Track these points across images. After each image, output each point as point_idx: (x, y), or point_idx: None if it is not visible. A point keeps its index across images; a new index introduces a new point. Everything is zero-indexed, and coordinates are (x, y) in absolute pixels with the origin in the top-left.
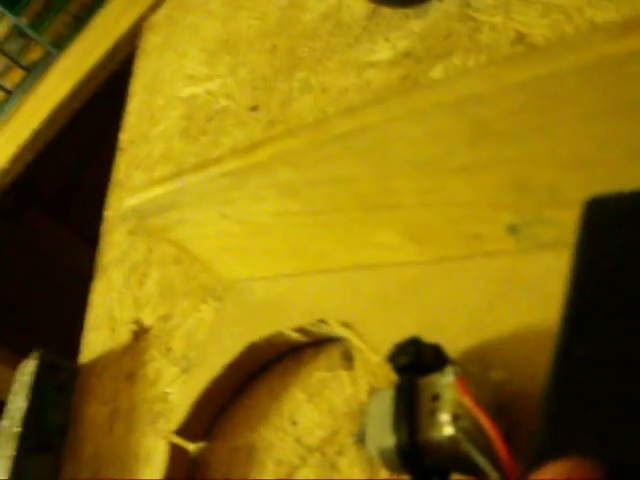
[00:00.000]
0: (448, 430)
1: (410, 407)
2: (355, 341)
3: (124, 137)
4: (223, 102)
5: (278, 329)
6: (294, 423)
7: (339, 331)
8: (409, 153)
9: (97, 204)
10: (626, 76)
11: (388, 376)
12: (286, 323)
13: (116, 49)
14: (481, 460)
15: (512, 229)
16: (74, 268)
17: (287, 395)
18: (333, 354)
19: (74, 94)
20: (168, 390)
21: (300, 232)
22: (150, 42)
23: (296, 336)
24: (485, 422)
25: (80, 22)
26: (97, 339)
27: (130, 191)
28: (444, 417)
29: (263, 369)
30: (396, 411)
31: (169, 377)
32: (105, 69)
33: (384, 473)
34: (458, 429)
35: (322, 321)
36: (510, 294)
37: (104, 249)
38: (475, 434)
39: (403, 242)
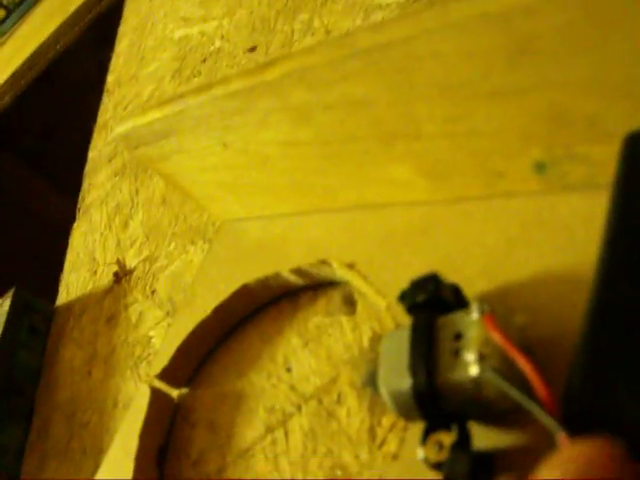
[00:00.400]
0: (474, 370)
1: (429, 346)
2: (359, 284)
3: (111, 78)
4: (218, 43)
5: (274, 270)
6: (288, 369)
7: (341, 273)
8: (438, 74)
9: (75, 155)
10: None
11: (395, 321)
12: (283, 264)
13: None
14: (519, 397)
15: (539, 167)
16: (48, 218)
17: (281, 340)
18: (333, 298)
19: (57, 37)
20: (151, 334)
21: (307, 165)
22: None
23: (293, 278)
24: (520, 360)
25: None
26: (76, 281)
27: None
28: (469, 356)
29: (256, 313)
30: (413, 350)
31: (152, 320)
32: (90, 12)
33: (386, 422)
34: (485, 369)
35: (323, 262)
36: (532, 236)
37: (86, 190)
38: (506, 374)
39: (417, 179)
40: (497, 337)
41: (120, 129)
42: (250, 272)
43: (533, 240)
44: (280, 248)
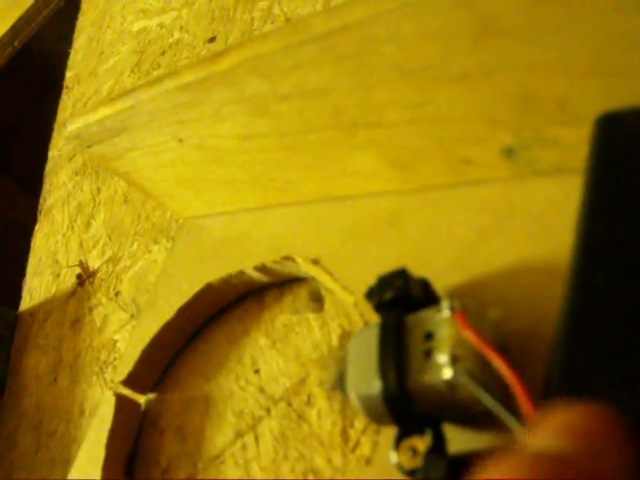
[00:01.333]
0: (447, 373)
1: (399, 347)
2: (324, 280)
3: (70, 75)
4: (177, 35)
5: (238, 268)
6: (256, 371)
7: (306, 269)
8: (398, 57)
9: (40, 154)
10: None
11: (363, 318)
12: (247, 262)
13: None
14: (493, 404)
15: (508, 152)
16: (14, 218)
17: (248, 340)
18: (299, 295)
19: (14, 32)
20: (116, 337)
21: (266, 158)
22: None
23: (257, 275)
24: (495, 360)
25: None
26: (40, 285)
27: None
28: (442, 358)
29: (221, 312)
30: (382, 352)
31: (117, 323)
32: (48, 6)
33: (359, 424)
34: (459, 372)
35: (287, 258)
36: (503, 225)
37: (47, 191)
38: (480, 376)
39: (382, 168)
40: (470, 336)
41: (71, 127)
42: (213, 271)
43: (504, 229)
44: (243, 245)
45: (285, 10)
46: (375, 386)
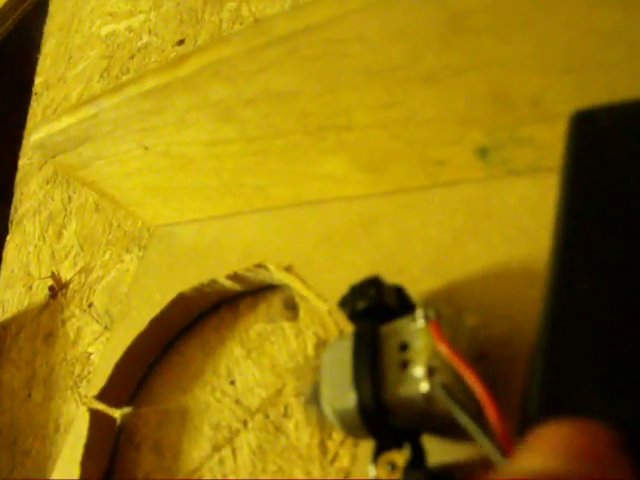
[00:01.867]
0: (423, 387)
1: (374, 359)
2: (298, 287)
3: (39, 81)
4: (146, 38)
5: (210, 277)
6: (232, 382)
7: (279, 276)
8: (365, 58)
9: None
10: None
11: (339, 326)
12: (219, 270)
13: None
14: (465, 420)
15: (482, 152)
16: None
17: (223, 351)
18: (274, 303)
19: None
20: (90, 350)
21: (234, 164)
22: None
23: (230, 284)
24: (469, 376)
25: None
26: (12, 297)
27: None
28: (418, 371)
29: (195, 322)
30: (356, 364)
31: (91, 335)
32: (17, 10)
33: (337, 436)
34: (435, 385)
35: (260, 266)
36: (479, 227)
37: (19, 200)
38: (455, 389)
39: (353, 172)
40: (444, 350)
41: (35, 137)
42: (186, 280)
43: (480, 231)
44: (215, 253)
45: (253, 10)
46: (350, 399)
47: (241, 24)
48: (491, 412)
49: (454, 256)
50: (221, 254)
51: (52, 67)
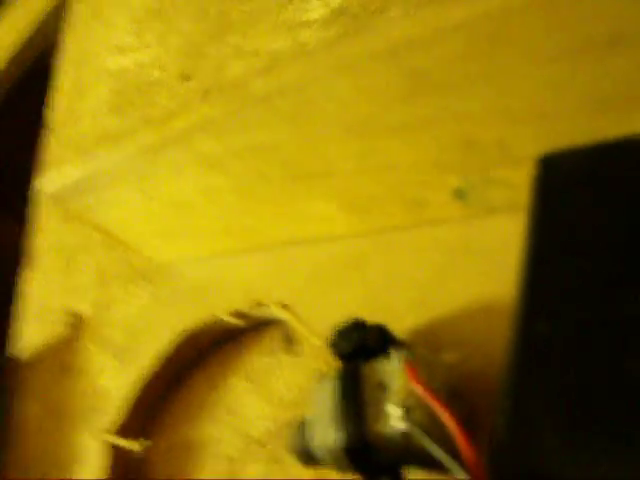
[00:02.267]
0: (400, 425)
1: (356, 399)
2: (294, 324)
3: (52, 116)
4: (154, 74)
5: (213, 314)
6: (236, 414)
7: (277, 313)
8: (338, 113)
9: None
10: (581, 10)
11: (334, 358)
12: (221, 306)
13: (45, 23)
14: (441, 456)
15: (459, 193)
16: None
17: (228, 384)
18: (275, 338)
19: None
20: (104, 383)
21: (229, 208)
22: (76, 13)
23: (234, 321)
24: (443, 414)
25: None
26: (30, 331)
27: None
28: (394, 410)
29: (200, 356)
30: (340, 405)
31: (106, 369)
32: (33, 46)
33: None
34: (410, 423)
35: (259, 304)
36: (460, 265)
37: (35, 235)
38: (430, 426)
39: (340, 213)
40: (419, 390)
41: (39, 188)
42: (191, 315)
43: (460, 269)
44: (217, 290)
45: (253, 44)
46: (335, 437)
47: (241, 58)
48: (463, 447)
49: (435, 294)
50: (222, 291)
51: (64, 102)
